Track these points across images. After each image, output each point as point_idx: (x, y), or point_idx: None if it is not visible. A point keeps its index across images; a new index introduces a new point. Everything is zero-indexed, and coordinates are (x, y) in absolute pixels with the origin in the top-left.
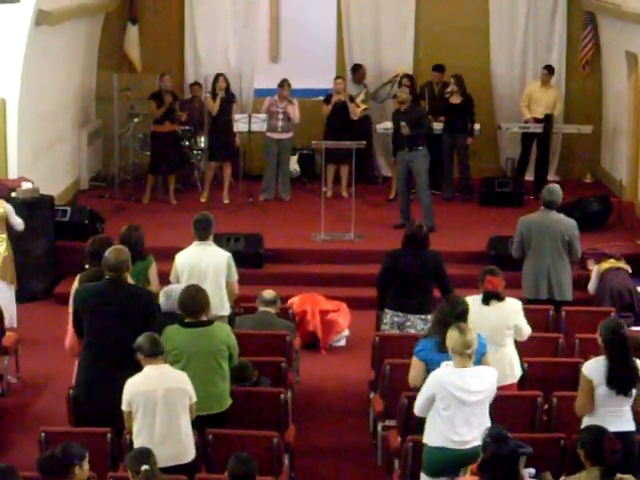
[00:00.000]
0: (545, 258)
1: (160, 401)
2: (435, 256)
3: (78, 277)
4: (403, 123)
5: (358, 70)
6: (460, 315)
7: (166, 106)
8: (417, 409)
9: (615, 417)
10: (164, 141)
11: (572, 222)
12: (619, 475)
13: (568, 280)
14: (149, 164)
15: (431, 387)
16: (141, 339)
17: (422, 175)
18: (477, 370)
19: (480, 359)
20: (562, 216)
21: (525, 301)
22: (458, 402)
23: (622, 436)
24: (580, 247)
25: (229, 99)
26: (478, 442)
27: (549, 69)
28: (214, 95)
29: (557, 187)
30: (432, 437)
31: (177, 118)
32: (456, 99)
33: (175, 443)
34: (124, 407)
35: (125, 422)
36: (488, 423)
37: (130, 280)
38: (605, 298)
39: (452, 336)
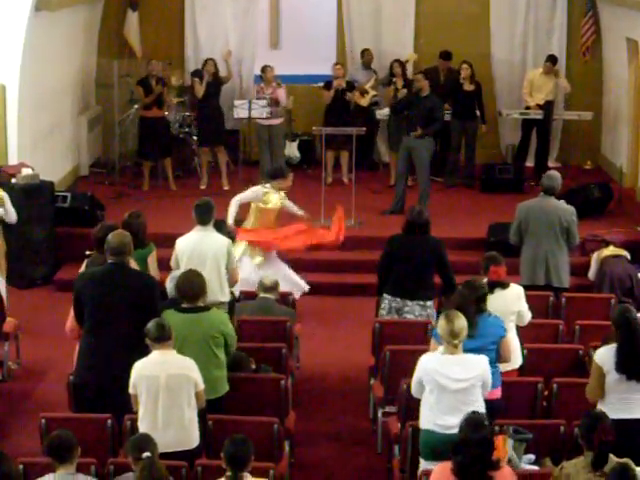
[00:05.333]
0: (542, 244)
1: (163, 386)
2: (436, 243)
3: (85, 262)
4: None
5: (364, 54)
6: (480, 298)
7: (155, 95)
8: (412, 390)
9: (626, 404)
10: (152, 126)
11: (570, 208)
12: (615, 459)
13: (566, 266)
14: (136, 149)
15: (418, 371)
16: (150, 324)
17: (424, 164)
18: (464, 358)
19: (498, 342)
20: (560, 202)
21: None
22: (440, 388)
23: (632, 424)
24: (578, 233)
25: (217, 84)
26: None
27: (552, 60)
28: (201, 79)
29: (556, 173)
30: (422, 420)
31: (164, 104)
32: (469, 86)
33: (178, 429)
34: (130, 390)
35: (132, 404)
36: (481, 410)
37: (134, 265)
38: (605, 284)
39: (440, 323)
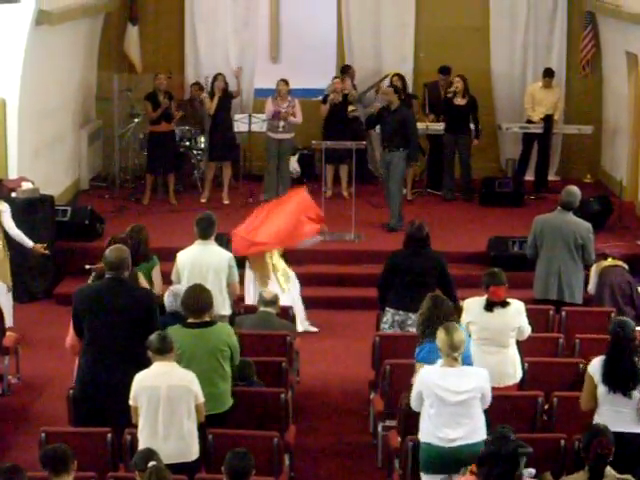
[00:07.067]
0: (556, 259)
1: (163, 398)
2: (438, 257)
3: (91, 276)
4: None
5: (347, 71)
6: (454, 311)
7: (162, 109)
8: (412, 404)
9: (618, 416)
10: (161, 141)
11: (586, 225)
12: (617, 476)
13: (579, 282)
14: (146, 164)
15: (418, 385)
16: (152, 336)
17: (395, 177)
18: (463, 370)
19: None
20: (577, 218)
21: (534, 301)
22: (440, 401)
23: (623, 437)
24: (594, 251)
25: (228, 100)
26: (466, 441)
27: (549, 73)
28: (212, 95)
29: (576, 189)
30: (422, 433)
31: (172, 118)
32: (461, 100)
33: (178, 440)
34: (131, 402)
35: (132, 416)
36: (480, 422)
37: (143, 281)
38: (605, 294)
39: (439, 336)
